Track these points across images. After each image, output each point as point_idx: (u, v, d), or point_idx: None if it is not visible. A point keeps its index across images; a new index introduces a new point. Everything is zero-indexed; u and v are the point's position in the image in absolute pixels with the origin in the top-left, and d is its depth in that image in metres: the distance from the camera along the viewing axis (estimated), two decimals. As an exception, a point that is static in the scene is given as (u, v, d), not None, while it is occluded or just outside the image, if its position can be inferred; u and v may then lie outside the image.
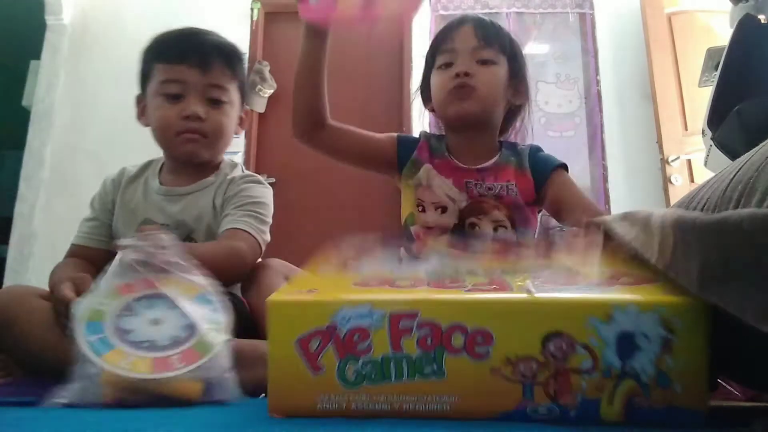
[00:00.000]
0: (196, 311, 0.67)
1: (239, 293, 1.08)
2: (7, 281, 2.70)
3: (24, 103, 3.12)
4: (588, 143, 2.86)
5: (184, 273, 0.71)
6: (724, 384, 0.71)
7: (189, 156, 1.11)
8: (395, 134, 1.11)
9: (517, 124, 1.13)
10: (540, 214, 1.09)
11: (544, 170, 1.03)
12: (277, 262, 1.06)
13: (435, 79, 1.05)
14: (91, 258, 1.11)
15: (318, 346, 0.47)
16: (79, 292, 0.88)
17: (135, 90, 1.19)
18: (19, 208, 2.85)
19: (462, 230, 1.00)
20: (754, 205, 0.43)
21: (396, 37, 2.93)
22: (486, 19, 1.11)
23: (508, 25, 2.89)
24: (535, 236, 1.04)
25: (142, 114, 1.16)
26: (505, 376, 0.46)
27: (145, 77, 1.12)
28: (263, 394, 0.71)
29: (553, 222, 1.03)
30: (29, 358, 0.87)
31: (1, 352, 0.92)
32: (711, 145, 1.40)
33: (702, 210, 0.51)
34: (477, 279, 0.55)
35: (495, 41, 1.03)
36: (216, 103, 1.10)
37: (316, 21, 0.92)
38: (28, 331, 0.86)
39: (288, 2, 3.47)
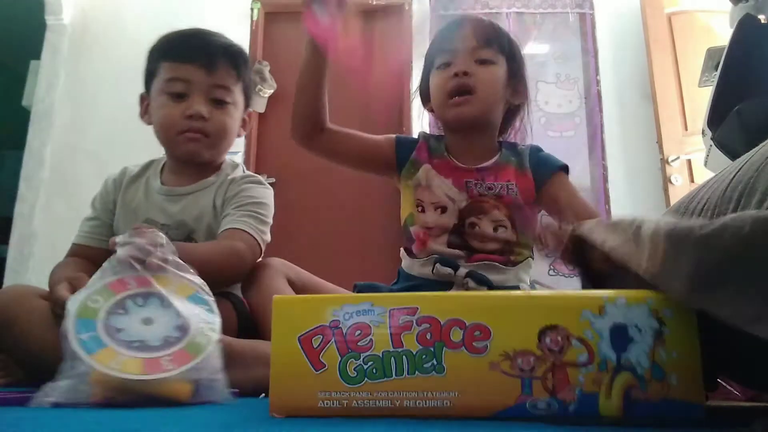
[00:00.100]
0: (189, 310, 0.67)
1: (239, 293, 1.08)
2: (7, 281, 2.70)
3: (24, 103, 3.13)
4: (588, 143, 2.86)
5: (178, 271, 0.71)
6: (724, 384, 0.71)
7: (190, 155, 1.11)
8: (393, 135, 1.11)
9: (517, 123, 1.13)
10: (540, 214, 1.09)
11: (545, 171, 1.03)
12: (277, 262, 1.06)
13: (434, 79, 1.05)
14: (92, 257, 1.11)
15: (320, 343, 0.48)
16: (76, 291, 0.88)
17: (135, 90, 1.19)
18: (19, 208, 2.85)
19: (462, 230, 1.00)
20: (754, 205, 0.43)
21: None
22: (485, 20, 1.11)
23: (508, 25, 2.89)
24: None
25: (145, 112, 1.16)
26: (504, 371, 0.46)
27: (150, 75, 1.13)
28: (263, 394, 0.71)
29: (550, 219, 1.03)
30: (29, 358, 0.87)
31: (1, 352, 0.92)
32: (711, 145, 1.40)
33: (702, 210, 0.51)
34: None
35: (494, 41, 1.03)
36: (220, 104, 1.11)
37: (316, 39, 0.93)
38: (28, 330, 0.87)
39: (288, 2, 3.44)
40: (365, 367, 0.47)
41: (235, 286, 1.09)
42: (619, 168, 2.81)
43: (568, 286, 2.44)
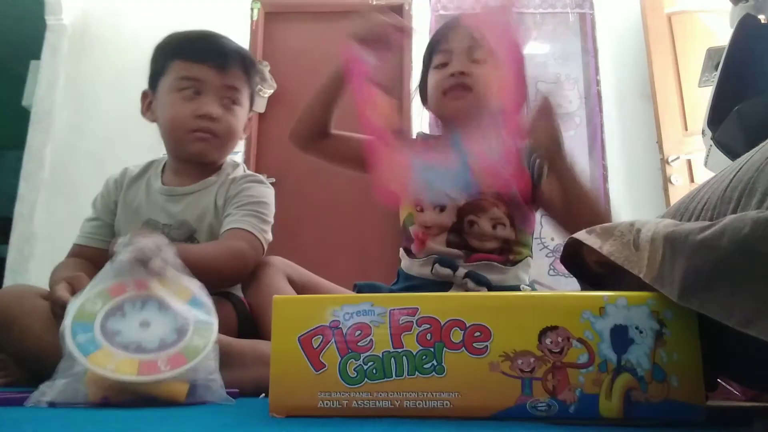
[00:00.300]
0: (187, 313, 0.66)
1: (239, 293, 1.08)
2: (7, 281, 2.70)
3: (24, 103, 3.13)
4: (588, 143, 2.86)
5: (177, 276, 0.71)
6: (724, 384, 0.71)
7: (198, 155, 1.12)
8: None
9: None
10: (538, 211, 1.09)
11: (541, 171, 1.03)
12: (278, 260, 1.06)
13: (431, 78, 1.05)
14: (92, 258, 1.11)
15: (320, 343, 0.48)
16: (75, 292, 0.88)
17: (135, 90, 1.19)
18: (19, 208, 2.85)
19: (460, 229, 1.00)
20: (754, 205, 0.43)
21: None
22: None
23: (508, 25, 2.88)
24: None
25: (148, 109, 1.15)
26: (504, 372, 0.46)
27: (157, 73, 1.12)
28: (263, 394, 0.71)
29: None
30: (29, 358, 0.87)
31: (1, 352, 0.92)
32: (711, 145, 1.40)
33: (702, 210, 0.51)
34: None
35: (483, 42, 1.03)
36: (229, 105, 1.11)
37: (350, 74, 0.96)
38: (28, 330, 0.87)
39: (288, 2, 3.44)
40: (365, 367, 0.47)
41: (235, 286, 1.09)
42: (619, 168, 2.81)
43: (568, 286, 2.44)
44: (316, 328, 0.48)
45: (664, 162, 2.58)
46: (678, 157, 2.56)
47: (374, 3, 2.99)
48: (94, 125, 2.95)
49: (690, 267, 0.41)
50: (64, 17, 3.05)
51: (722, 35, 1.52)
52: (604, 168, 2.79)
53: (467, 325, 0.47)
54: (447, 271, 0.96)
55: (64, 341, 0.61)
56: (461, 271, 0.95)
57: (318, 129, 1.05)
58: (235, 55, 1.11)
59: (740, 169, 0.48)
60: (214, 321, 0.68)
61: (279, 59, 3.00)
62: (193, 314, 0.67)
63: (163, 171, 1.18)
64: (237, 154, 2.74)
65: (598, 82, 2.91)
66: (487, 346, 0.47)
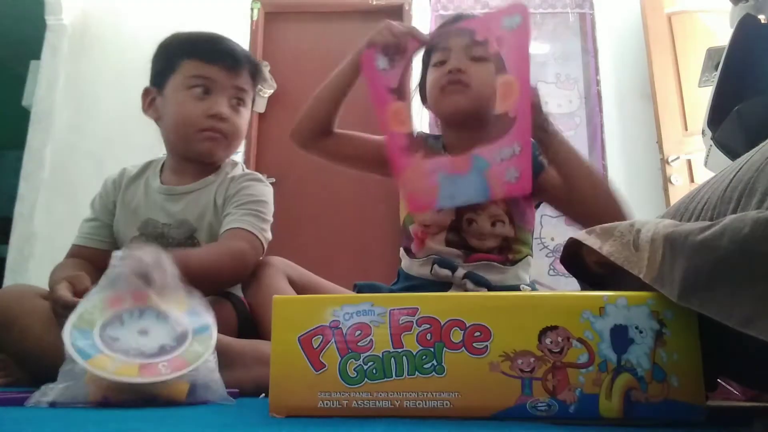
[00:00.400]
0: (185, 322, 0.66)
1: (239, 292, 1.08)
2: (7, 281, 2.69)
3: (24, 103, 3.12)
4: (588, 143, 2.86)
5: (175, 287, 0.70)
6: (724, 384, 0.71)
7: (206, 154, 1.12)
8: None
9: None
10: (537, 209, 1.09)
11: (539, 163, 1.03)
12: (278, 261, 1.06)
13: (429, 76, 1.06)
14: (91, 258, 1.11)
15: (320, 343, 0.48)
16: (76, 291, 0.89)
17: (135, 90, 1.19)
18: (19, 208, 2.85)
19: (459, 227, 1.00)
20: (753, 205, 0.43)
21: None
22: (480, 17, 1.10)
23: (508, 25, 2.88)
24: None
25: (150, 106, 1.15)
26: (504, 372, 0.46)
27: (166, 70, 1.12)
28: (263, 394, 0.71)
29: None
30: (29, 358, 0.87)
31: (1, 352, 0.92)
32: (711, 145, 1.40)
33: (702, 210, 0.51)
34: None
35: (488, 40, 1.03)
36: (236, 107, 1.13)
37: (367, 79, 0.99)
38: (28, 330, 0.87)
39: (288, 2, 3.43)
40: (365, 367, 0.47)
41: (235, 286, 1.09)
42: (619, 168, 2.81)
43: (568, 286, 2.44)
44: (316, 328, 0.48)
45: (664, 162, 2.58)
46: (678, 157, 2.56)
47: (374, 3, 2.99)
48: (94, 125, 2.95)
49: (690, 267, 0.41)
50: (64, 17, 3.05)
51: (722, 35, 1.52)
52: (604, 168, 2.79)
53: (467, 325, 0.47)
54: (446, 272, 0.96)
55: (64, 346, 0.61)
56: (460, 272, 0.95)
57: (322, 127, 1.05)
58: (244, 58, 1.13)
59: (740, 169, 0.48)
60: (213, 329, 0.68)
61: (279, 59, 3.00)
62: (192, 323, 0.67)
63: (161, 171, 1.18)
64: (237, 154, 2.74)
65: (598, 82, 2.91)
66: (487, 346, 0.47)
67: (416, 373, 0.47)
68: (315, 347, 0.48)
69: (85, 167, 2.82)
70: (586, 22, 3.00)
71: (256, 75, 1.17)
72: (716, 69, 1.43)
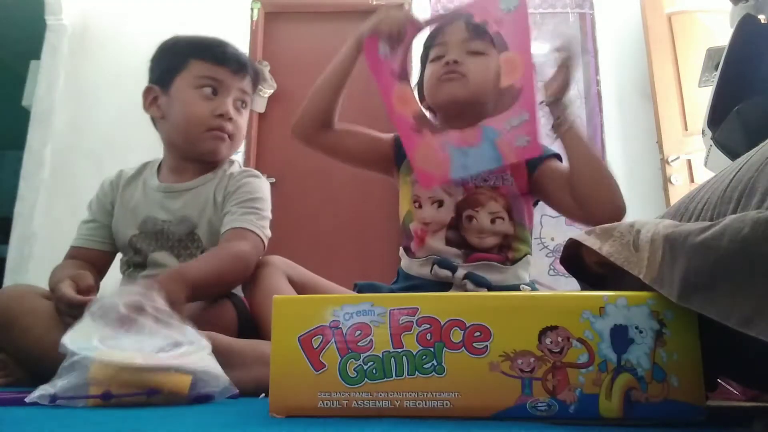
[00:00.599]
0: (179, 334, 0.67)
1: (239, 292, 1.09)
2: (7, 281, 2.69)
3: (24, 103, 3.12)
4: (588, 143, 2.86)
5: (168, 321, 0.70)
6: (724, 384, 0.71)
7: (211, 153, 1.14)
8: (393, 134, 1.11)
9: None
10: (535, 206, 1.09)
11: (536, 158, 1.03)
12: (278, 260, 1.06)
13: (428, 71, 1.06)
14: (90, 259, 1.12)
15: (320, 343, 0.48)
16: (79, 289, 0.89)
17: (135, 90, 1.20)
18: (19, 208, 2.84)
19: (459, 224, 1.00)
20: (754, 205, 0.43)
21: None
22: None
23: (508, 25, 2.88)
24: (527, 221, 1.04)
25: (151, 105, 1.16)
26: (504, 372, 0.46)
27: (173, 69, 1.14)
28: (263, 394, 0.71)
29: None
30: (30, 357, 0.87)
31: (1, 352, 0.92)
32: (711, 145, 1.40)
33: (702, 210, 0.51)
34: None
35: (485, 34, 1.03)
36: (239, 108, 1.17)
37: (370, 67, 1.01)
38: (28, 330, 0.87)
39: (288, 2, 3.43)
40: (365, 367, 0.47)
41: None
42: (619, 168, 2.81)
43: (568, 286, 2.44)
44: (316, 328, 0.48)
45: (664, 162, 2.58)
46: (678, 157, 2.56)
47: (374, 3, 2.98)
48: (94, 125, 2.95)
49: (690, 267, 0.41)
50: (64, 17, 3.04)
51: (722, 35, 1.52)
52: (604, 168, 2.79)
53: (467, 325, 0.47)
54: (446, 272, 0.96)
55: (65, 347, 0.61)
56: (460, 272, 0.95)
57: (323, 119, 1.05)
58: (248, 62, 1.18)
59: (740, 169, 0.48)
60: (208, 348, 0.69)
61: (279, 59, 3.00)
62: (187, 337, 0.67)
63: (158, 170, 1.19)
64: (237, 153, 2.74)
65: (598, 82, 2.91)
66: (487, 346, 0.47)
67: (416, 373, 0.47)
68: (315, 347, 0.48)
69: (85, 167, 2.82)
70: (586, 22, 3.00)
71: (256, 79, 1.22)
72: (716, 69, 1.43)
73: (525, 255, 1.02)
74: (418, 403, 0.46)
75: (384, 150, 1.10)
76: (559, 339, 0.46)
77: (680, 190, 2.47)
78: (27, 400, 0.56)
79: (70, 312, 0.86)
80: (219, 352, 0.69)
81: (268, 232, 1.11)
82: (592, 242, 0.56)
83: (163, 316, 0.69)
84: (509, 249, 1.00)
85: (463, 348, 0.47)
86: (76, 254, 1.13)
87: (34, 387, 0.58)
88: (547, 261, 2.69)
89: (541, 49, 2.99)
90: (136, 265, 1.12)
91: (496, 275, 0.97)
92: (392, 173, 1.12)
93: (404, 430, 0.41)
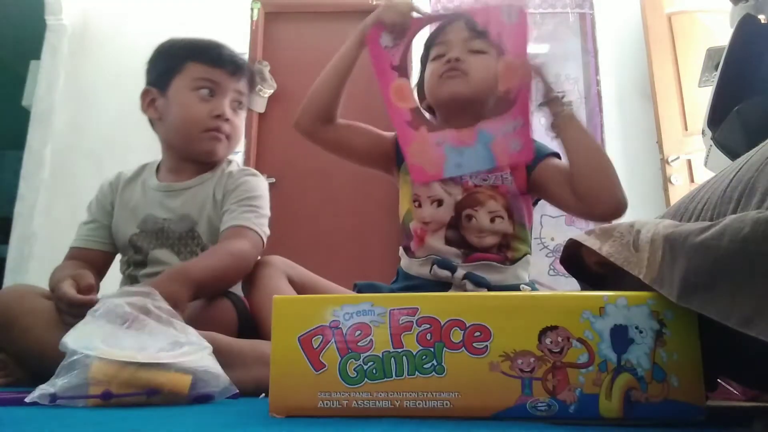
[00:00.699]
0: (180, 335, 0.67)
1: (239, 291, 1.09)
2: (7, 281, 2.69)
3: (24, 103, 3.12)
4: (588, 143, 2.85)
5: (171, 320, 0.70)
6: (724, 384, 0.71)
7: (208, 153, 1.15)
8: (394, 133, 1.11)
9: None
10: (535, 206, 1.09)
11: (535, 157, 1.03)
12: (278, 260, 1.06)
13: (428, 70, 1.06)
14: (90, 259, 1.12)
15: (320, 343, 0.48)
16: (80, 288, 0.89)
17: (135, 90, 1.20)
18: (19, 208, 2.84)
19: (459, 223, 1.00)
20: (754, 205, 0.43)
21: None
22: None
23: (508, 25, 2.88)
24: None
25: (149, 106, 1.18)
26: (504, 372, 0.46)
27: (170, 71, 1.15)
28: (263, 394, 0.71)
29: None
30: (30, 357, 0.87)
31: (1, 352, 0.92)
32: (711, 145, 1.40)
33: (702, 210, 0.51)
34: None
35: (486, 34, 1.03)
36: (236, 109, 1.18)
37: (372, 57, 1.02)
38: (28, 330, 0.87)
39: (288, 2, 3.43)
40: (365, 367, 0.47)
41: (236, 285, 1.09)
42: (619, 168, 2.78)
43: (568, 286, 2.44)
44: (316, 328, 0.48)
45: (664, 162, 2.58)
46: (678, 157, 2.56)
47: (374, 3, 2.99)
48: (94, 125, 2.95)
49: (690, 267, 0.41)
50: (64, 17, 3.04)
51: (722, 35, 1.52)
52: (604, 168, 2.79)
53: (467, 325, 0.47)
54: (446, 272, 0.96)
55: (66, 347, 0.61)
56: (460, 273, 0.95)
57: (326, 112, 1.05)
58: (244, 64, 1.20)
59: (740, 169, 0.48)
60: (209, 349, 0.69)
61: (279, 59, 3.00)
62: (188, 337, 0.67)
63: (157, 171, 1.21)
64: (237, 154, 2.74)
65: (598, 82, 2.91)
66: (487, 346, 0.47)
67: (416, 373, 0.47)
68: (315, 347, 0.48)
69: (85, 167, 2.82)
70: (586, 22, 3.00)
71: (252, 80, 1.23)
72: (716, 69, 1.43)
73: (524, 255, 1.02)
74: (418, 403, 0.46)
75: (385, 147, 1.10)
76: (559, 339, 0.46)
77: (680, 190, 2.47)
78: (27, 400, 0.56)
79: (70, 311, 0.86)
80: (219, 352, 0.69)
81: (267, 230, 1.12)
82: (591, 242, 0.56)
83: (165, 316, 0.69)
84: (509, 248, 1.00)
85: (463, 348, 0.47)
86: (76, 255, 1.13)
87: (34, 387, 0.58)
88: (547, 261, 2.69)
89: (541, 49, 3.00)
90: (136, 264, 1.13)
91: (495, 275, 0.97)
92: (392, 172, 1.12)
93: (404, 430, 0.41)
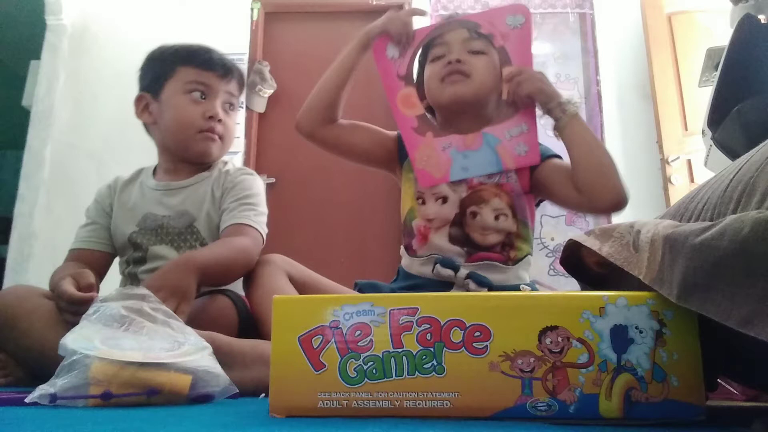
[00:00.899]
0: (180, 335, 0.67)
1: (238, 290, 1.09)
2: (7, 281, 2.69)
3: (24, 103, 3.12)
4: (588, 143, 2.85)
5: (168, 320, 0.70)
6: (724, 384, 0.71)
7: (203, 154, 1.18)
8: (396, 131, 1.11)
9: None
10: (537, 207, 1.09)
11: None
12: (278, 258, 1.07)
13: (429, 71, 1.06)
14: (90, 261, 1.13)
15: (320, 343, 0.48)
16: (80, 286, 0.90)
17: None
18: (19, 208, 2.84)
19: (463, 221, 1.00)
20: (754, 205, 0.43)
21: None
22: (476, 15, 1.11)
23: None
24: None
25: (143, 112, 1.20)
26: (504, 372, 0.46)
27: (162, 76, 1.18)
28: (263, 394, 0.71)
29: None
30: (30, 357, 0.87)
31: (1, 352, 0.92)
32: (711, 145, 1.40)
33: (702, 210, 0.51)
34: None
35: (485, 34, 1.03)
36: (228, 110, 1.21)
37: (378, 68, 1.05)
38: (29, 330, 0.87)
39: (288, 2, 3.43)
40: (365, 367, 0.47)
41: (235, 283, 1.10)
42: (619, 168, 2.81)
43: (568, 286, 2.44)
44: (316, 328, 0.48)
45: (664, 162, 2.58)
46: (678, 157, 2.56)
47: (374, 3, 2.99)
48: (94, 125, 2.95)
49: (690, 268, 0.41)
50: (64, 17, 3.04)
51: (722, 35, 1.52)
52: (604, 168, 2.79)
53: (467, 325, 0.47)
54: (448, 272, 0.96)
55: (65, 348, 0.61)
56: (462, 272, 0.95)
57: (328, 113, 1.06)
58: (233, 67, 1.23)
59: (740, 169, 0.48)
60: (209, 349, 0.69)
61: (279, 59, 3.00)
62: (187, 338, 0.67)
63: (154, 174, 1.23)
64: (237, 154, 2.74)
65: (598, 82, 2.91)
66: (487, 346, 0.47)
67: (416, 373, 0.47)
68: (315, 347, 0.48)
69: (85, 167, 2.82)
70: (586, 22, 3.00)
71: (242, 82, 1.27)
72: (716, 69, 1.43)
73: (526, 255, 1.02)
74: (418, 403, 0.46)
75: (388, 146, 1.10)
76: (559, 339, 0.46)
77: (680, 190, 2.46)
78: (27, 400, 0.56)
79: (70, 309, 0.86)
80: (219, 352, 0.69)
81: (266, 228, 1.14)
82: (591, 243, 0.56)
83: (162, 318, 0.69)
84: (511, 247, 1.00)
85: (463, 348, 0.47)
86: (75, 257, 1.15)
87: (34, 387, 0.58)
88: (547, 261, 2.69)
89: (541, 49, 3.00)
90: (135, 262, 1.14)
91: (497, 275, 0.98)
92: (394, 170, 1.12)
93: (404, 430, 0.41)
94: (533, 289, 1.00)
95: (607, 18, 3.00)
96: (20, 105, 3.15)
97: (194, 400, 0.63)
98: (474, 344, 0.47)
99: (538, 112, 1.01)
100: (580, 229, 2.70)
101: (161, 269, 0.94)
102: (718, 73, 1.38)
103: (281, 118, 2.86)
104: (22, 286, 1.07)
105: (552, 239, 2.70)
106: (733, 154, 1.28)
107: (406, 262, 1.06)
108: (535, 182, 1.02)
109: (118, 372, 0.59)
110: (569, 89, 2.93)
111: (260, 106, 2.91)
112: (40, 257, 2.71)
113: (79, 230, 1.20)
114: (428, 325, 0.47)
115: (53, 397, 0.57)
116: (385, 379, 0.47)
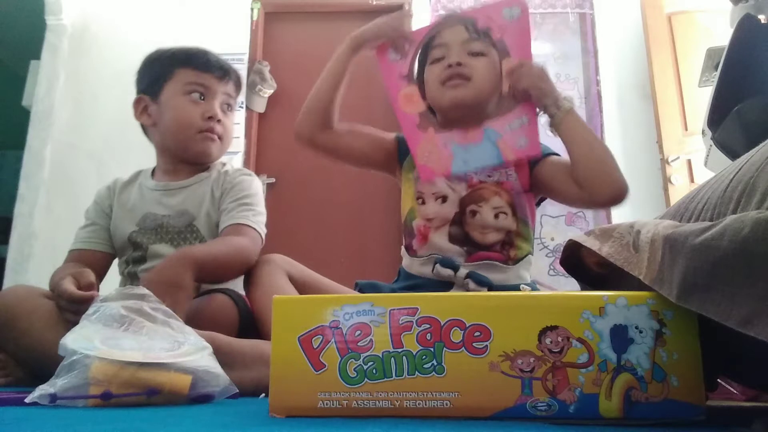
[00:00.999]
0: (180, 335, 0.67)
1: (239, 289, 1.09)
2: (7, 281, 2.69)
3: (24, 103, 3.12)
4: (588, 143, 2.85)
5: (167, 320, 0.70)
6: (724, 384, 0.71)
7: (202, 154, 1.19)
8: (395, 133, 1.11)
9: None
10: (538, 206, 1.09)
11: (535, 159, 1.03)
12: (278, 258, 1.07)
13: (428, 73, 1.06)
14: (89, 261, 1.13)
15: (320, 343, 0.48)
16: (81, 285, 0.90)
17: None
18: (19, 208, 2.84)
19: (463, 219, 1.00)
20: (754, 205, 0.43)
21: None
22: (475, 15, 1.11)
23: (508, 25, 2.88)
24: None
25: (142, 113, 1.21)
26: (504, 372, 0.46)
27: (161, 78, 1.19)
28: (263, 394, 0.71)
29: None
30: (30, 357, 0.88)
31: (1, 352, 0.92)
32: (711, 145, 1.40)
33: (702, 210, 0.51)
34: None
35: (484, 35, 1.03)
36: (226, 111, 1.22)
37: (382, 72, 1.06)
38: (29, 330, 0.87)
39: (288, 2, 3.43)
40: (365, 367, 0.47)
41: (236, 282, 1.10)
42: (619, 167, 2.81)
43: (568, 286, 2.44)
44: (316, 328, 0.48)
45: (664, 162, 2.58)
46: (678, 157, 2.56)
47: (374, 3, 2.99)
48: (94, 125, 2.95)
49: (689, 268, 0.41)
50: (64, 17, 3.04)
51: (722, 35, 1.52)
52: (604, 168, 2.79)
53: (467, 325, 0.47)
54: (448, 271, 0.96)
55: (65, 348, 0.61)
56: (462, 272, 0.95)
57: (323, 120, 1.06)
58: (231, 69, 1.24)
59: (740, 169, 0.48)
60: (209, 348, 0.69)
61: (279, 59, 3.00)
62: (186, 337, 0.67)
63: (152, 175, 1.24)
64: (237, 154, 2.74)
65: (598, 82, 2.91)
66: (487, 346, 0.47)
67: (416, 373, 0.47)
68: (315, 347, 0.48)
69: (85, 167, 2.82)
70: (586, 22, 3.00)
71: (239, 84, 1.28)
72: (716, 69, 1.43)
73: (527, 254, 1.02)
74: (418, 403, 0.46)
75: (387, 148, 1.10)
76: (559, 339, 0.46)
77: (680, 190, 2.46)
78: (27, 400, 0.56)
79: (71, 308, 0.87)
80: (219, 352, 0.69)
81: (264, 228, 1.15)
82: (591, 243, 0.56)
83: (162, 317, 0.69)
84: (512, 246, 1.00)
85: (463, 348, 0.47)
86: (75, 257, 1.15)
87: (34, 387, 0.58)
88: (547, 261, 2.68)
89: (541, 49, 3.00)
90: (135, 261, 1.15)
91: (497, 275, 0.98)
92: (394, 171, 1.12)
93: (404, 430, 0.41)
94: (533, 288, 1.00)
95: (607, 18, 3.00)
96: (20, 105, 3.15)
97: (194, 400, 0.63)
98: (474, 344, 0.47)
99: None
100: (580, 229, 2.70)
101: (158, 264, 0.95)
102: (718, 73, 1.38)
103: (281, 118, 2.86)
104: (22, 286, 1.07)
105: (552, 239, 2.70)
106: (733, 154, 1.28)
107: (406, 262, 1.06)
108: (535, 180, 1.03)
109: (118, 372, 0.59)
110: (569, 89, 2.93)
111: (260, 106, 2.91)
112: (40, 257, 2.71)
113: (79, 231, 1.21)
114: (428, 325, 0.47)
115: (53, 397, 0.57)
116: (385, 379, 0.47)
